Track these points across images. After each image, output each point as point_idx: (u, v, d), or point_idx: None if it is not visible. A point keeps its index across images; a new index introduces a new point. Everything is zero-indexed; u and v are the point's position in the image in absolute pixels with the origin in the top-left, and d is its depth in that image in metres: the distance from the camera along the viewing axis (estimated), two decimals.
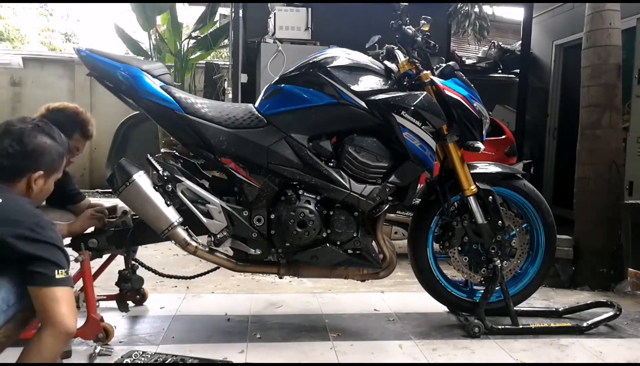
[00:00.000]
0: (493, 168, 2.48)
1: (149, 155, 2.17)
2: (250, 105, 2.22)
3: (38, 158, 1.57)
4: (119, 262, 2.31)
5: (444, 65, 2.38)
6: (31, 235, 1.40)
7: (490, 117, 2.52)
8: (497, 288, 2.40)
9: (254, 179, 2.15)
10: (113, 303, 2.35)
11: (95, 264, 2.24)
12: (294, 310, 2.60)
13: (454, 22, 4.87)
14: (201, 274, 2.52)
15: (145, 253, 3.42)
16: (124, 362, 1.92)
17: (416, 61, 2.25)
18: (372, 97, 2.12)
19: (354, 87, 2.12)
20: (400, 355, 2.09)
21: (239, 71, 4.64)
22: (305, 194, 2.15)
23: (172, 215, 2.08)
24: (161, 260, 3.59)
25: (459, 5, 4.66)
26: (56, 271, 1.41)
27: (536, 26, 5.95)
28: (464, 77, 2.34)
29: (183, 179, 2.13)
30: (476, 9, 4.62)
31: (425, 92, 2.19)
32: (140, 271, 2.39)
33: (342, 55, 2.19)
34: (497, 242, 2.36)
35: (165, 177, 2.11)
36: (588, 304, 2.67)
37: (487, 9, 4.83)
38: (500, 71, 6.29)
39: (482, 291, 2.44)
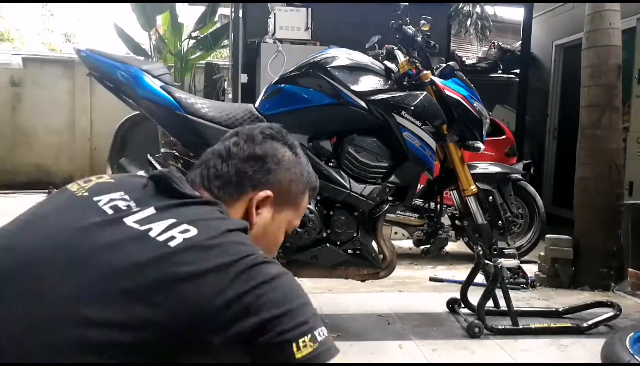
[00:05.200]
0: (493, 168, 2.48)
1: (149, 155, 2.17)
2: (250, 105, 2.22)
3: (267, 169, 0.99)
4: None
5: (444, 65, 2.38)
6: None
7: (490, 117, 2.52)
8: None
9: None
10: None
11: None
12: None
13: (456, 22, 4.87)
14: None
15: None
16: None
17: (416, 60, 2.25)
18: (372, 97, 2.12)
19: (354, 87, 2.12)
20: (400, 355, 2.09)
21: (239, 71, 4.64)
22: None
23: None
24: None
25: (460, 6, 4.65)
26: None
27: (536, 26, 5.95)
28: (464, 77, 2.34)
29: None
30: (478, 9, 4.62)
31: (425, 92, 2.19)
32: None
33: (342, 56, 2.19)
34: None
35: None
36: (588, 304, 2.67)
37: (489, 9, 4.83)
38: (500, 71, 6.28)
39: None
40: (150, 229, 0.82)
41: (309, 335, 0.80)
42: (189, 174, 1.00)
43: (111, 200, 0.88)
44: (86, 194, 0.90)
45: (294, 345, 0.78)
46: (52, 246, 0.81)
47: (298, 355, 0.78)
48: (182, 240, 0.80)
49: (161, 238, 0.80)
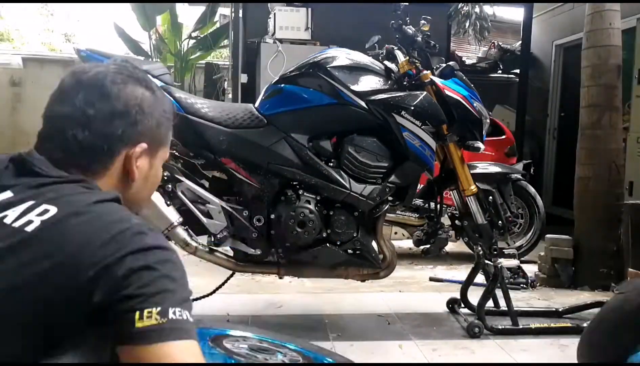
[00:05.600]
0: (493, 168, 2.48)
1: None
2: (250, 105, 2.23)
3: (133, 121, 0.92)
4: None
5: (444, 65, 2.38)
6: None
7: (490, 117, 2.52)
8: None
9: (254, 179, 2.15)
10: None
11: None
12: (294, 310, 2.59)
13: (455, 22, 4.87)
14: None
15: None
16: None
17: (416, 60, 2.25)
18: (372, 97, 2.12)
19: (354, 87, 2.12)
20: (400, 355, 2.09)
21: (239, 71, 4.64)
22: (305, 194, 2.15)
23: (172, 215, 2.08)
24: None
25: (459, 6, 4.65)
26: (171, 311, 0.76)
27: (536, 26, 5.94)
28: (464, 77, 2.34)
29: (183, 179, 2.13)
30: (477, 9, 4.62)
31: (425, 92, 2.19)
32: None
33: (342, 56, 2.19)
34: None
35: (165, 178, 2.11)
36: (588, 304, 2.67)
37: (488, 9, 4.83)
38: (500, 71, 6.28)
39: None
40: (5, 216, 0.77)
41: (159, 308, 0.73)
42: (49, 151, 0.89)
43: None
44: None
45: (137, 313, 0.72)
46: None
47: (138, 324, 0.72)
48: (40, 223, 0.76)
49: (17, 224, 0.76)
